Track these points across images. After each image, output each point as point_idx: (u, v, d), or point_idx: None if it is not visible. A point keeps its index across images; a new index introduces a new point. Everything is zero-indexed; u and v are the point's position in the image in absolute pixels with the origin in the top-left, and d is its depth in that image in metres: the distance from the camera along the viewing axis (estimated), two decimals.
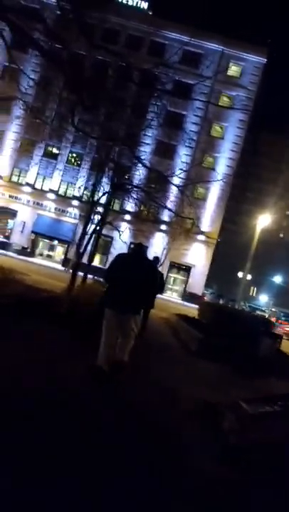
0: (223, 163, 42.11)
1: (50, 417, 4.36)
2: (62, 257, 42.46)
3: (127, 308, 6.24)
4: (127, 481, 3.61)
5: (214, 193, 41.63)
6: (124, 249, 39.77)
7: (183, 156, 40.78)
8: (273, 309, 61.75)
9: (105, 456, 3.89)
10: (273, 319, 37.78)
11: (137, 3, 43.55)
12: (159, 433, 4.93)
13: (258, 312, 46.73)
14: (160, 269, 11.32)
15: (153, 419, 5.30)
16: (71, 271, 17.67)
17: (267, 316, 38.41)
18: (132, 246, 8.22)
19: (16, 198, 42.78)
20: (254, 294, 68.36)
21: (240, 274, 49.17)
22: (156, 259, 9.23)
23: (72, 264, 25.99)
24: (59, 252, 44.08)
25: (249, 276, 41.09)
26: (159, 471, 3.98)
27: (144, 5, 43.70)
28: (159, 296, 9.22)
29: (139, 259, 6.65)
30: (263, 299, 68.06)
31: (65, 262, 39.54)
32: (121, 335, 6.29)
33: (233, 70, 42.71)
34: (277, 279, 66.36)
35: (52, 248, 44.26)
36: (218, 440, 5.01)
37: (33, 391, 5.02)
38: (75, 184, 41.04)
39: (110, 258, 39.83)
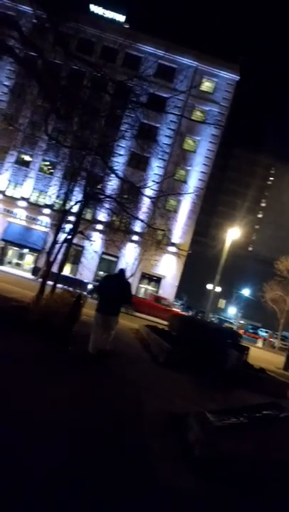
0: (195, 177, 42.67)
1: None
2: (32, 265, 41.90)
3: (111, 312, 9.32)
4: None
5: (186, 205, 42.08)
6: (96, 259, 39.69)
7: (155, 168, 41.15)
8: (241, 321, 62.61)
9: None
10: (241, 331, 38.27)
11: (114, 16, 44.03)
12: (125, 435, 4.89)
13: (227, 324, 47.30)
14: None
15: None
16: (40, 280, 17.46)
17: (235, 328, 38.88)
18: (119, 268, 9.01)
19: None
20: (223, 306, 69.09)
21: (209, 286, 49.76)
22: (123, 271, 10.05)
23: (41, 272, 25.69)
24: (29, 260, 43.50)
25: (218, 289, 41.51)
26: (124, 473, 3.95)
27: (121, 18, 44.20)
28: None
29: (121, 279, 9.64)
30: (232, 311, 68.90)
31: (34, 270, 38.98)
32: (105, 330, 9.17)
33: (207, 85, 43.56)
34: (246, 291, 67.36)
35: (21, 256, 43.66)
36: (184, 452, 5.01)
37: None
38: (47, 192, 40.75)
39: (80, 268, 39.69)
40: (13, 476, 3.49)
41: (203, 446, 4.89)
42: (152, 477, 4.26)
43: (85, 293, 30.39)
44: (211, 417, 5.53)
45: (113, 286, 9.44)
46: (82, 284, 33.89)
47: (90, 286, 34.53)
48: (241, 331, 39.67)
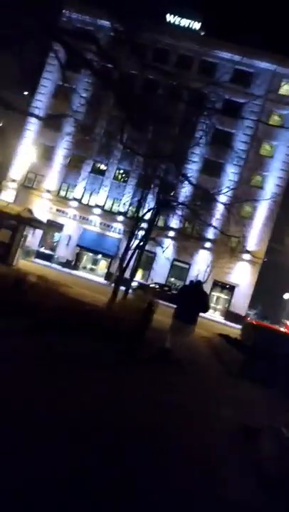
0: (271, 182, 41.43)
1: None
2: (105, 270, 42.84)
3: (188, 320, 9.95)
4: None
5: (262, 212, 40.95)
6: (167, 266, 39.80)
7: (230, 174, 40.49)
8: None
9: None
10: None
11: (190, 23, 44.13)
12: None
13: None
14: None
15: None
16: (113, 284, 17.80)
17: None
18: (192, 281, 9.54)
19: (63, 212, 43.83)
20: None
21: (286, 296, 47.92)
22: (200, 282, 10.97)
23: (114, 278, 26.16)
24: (102, 266, 44.62)
25: None
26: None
27: (197, 25, 44.20)
28: (201, 314, 10.94)
29: (199, 290, 10.31)
30: None
31: (107, 275, 39.80)
32: (181, 337, 9.84)
33: (285, 88, 42.18)
34: None
35: (95, 262, 44.89)
36: (256, 467, 4.82)
37: None
38: (120, 200, 41.67)
39: (152, 273, 40.00)
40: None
41: (278, 462, 4.68)
42: (223, 490, 4.14)
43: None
44: (287, 431, 5.28)
45: (191, 296, 10.11)
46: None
47: (134, 284, 34.54)
48: None
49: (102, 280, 38.70)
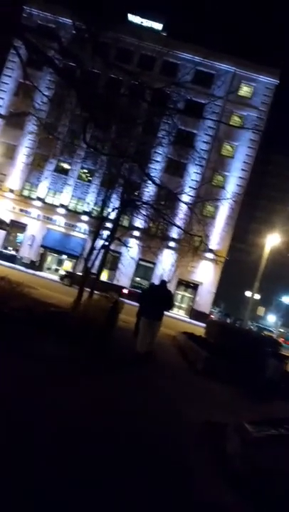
0: (233, 182, 42.19)
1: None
2: (71, 271, 42.34)
3: (156, 317, 10.71)
4: None
5: (223, 211, 41.64)
6: (133, 266, 39.81)
7: (193, 174, 40.98)
8: (281, 330, 61.16)
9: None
10: (281, 340, 37.41)
11: (152, 24, 44.37)
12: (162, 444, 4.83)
13: (266, 332, 46.33)
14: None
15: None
16: (67, 285, 17.67)
17: (274, 337, 38.04)
18: (157, 281, 11.42)
19: (27, 212, 43.08)
20: (262, 314, 67.76)
21: (248, 294, 48.96)
22: (164, 282, 11.79)
23: (68, 279, 25.90)
24: (67, 266, 44.16)
25: (257, 296, 40.78)
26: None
27: (159, 26, 44.49)
28: (166, 313, 11.84)
29: (164, 289, 11.15)
30: (271, 319, 67.44)
31: (63, 276, 38.22)
32: (150, 333, 10.53)
33: (245, 90, 43.10)
34: (286, 299, 65.80)
35: (60, 262, 44.35)
36: (222, 463, 4.90)
37: None
38: (85, 199, 41.40)
39: (118, 273, 39.95)
40: None
41: (242, 458, 4.77)
42: (188, 489, 4.19)
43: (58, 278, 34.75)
44: (250, 427, 5.38)
45: (157, 295, 11.03)
46: (118, 290, 34.21)
47: (62, 273, 36.62)
48: (281, 340, 38.72)
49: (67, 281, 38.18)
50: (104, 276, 36.40)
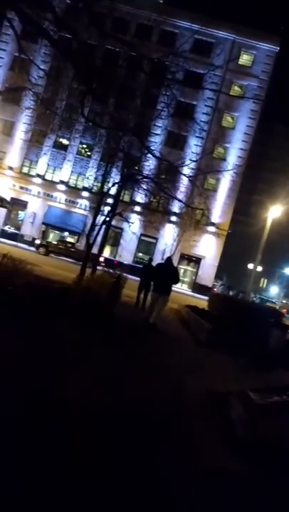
0: (234, 154, 41.70)
1: None
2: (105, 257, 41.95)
3: (164, 291, 11.69)
4: None
5: (225, 184, 41.30)
6: (134, 241, 39.82)
7: (193, 146, 40.48)
8: (284, 301, 61.50)
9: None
10: (284, 311, 37.66)
11: None
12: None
13: (269, 304, 46.59)
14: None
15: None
16: (43, 254, 17.74)
17: (277, 308, 38.31)
18: (164, 258, 14.06)
19: (27, 189, 42.85)
20: (264, 286, 68.06)
21: (250, 266, 49.01)
22: (170, 259, 12.73)
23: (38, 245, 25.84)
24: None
25: (260, 268, 40.82)
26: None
27: None
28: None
29: (170, 266, 12.17)
30: (274, 290, 67.75)
31: (33, 243, 38.12)
32: (157, 305, 11.50)
33: (245, 58, 42.13)
34: None
35: (62, 239, 44.37)
36: (225, 431, 5.02)
37: None
38: (85, 175, 41.05)
39: (120, 249, 40.01)
40: None
41: (246, 425, 4.88)
42: (191, 454, 4.30)
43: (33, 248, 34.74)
44: (254, 395, 5.48)
45: (164, 272, 11.92)
46: (122, 266, 34.26)
47: (37, 242, 36.62)
48: (284, 311, 38.98)
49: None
50: (106, 252, 36.50)
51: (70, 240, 39.95)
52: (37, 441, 3.63)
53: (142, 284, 15.43)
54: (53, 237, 43.68)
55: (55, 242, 36.37)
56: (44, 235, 42.75)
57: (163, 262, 12.80)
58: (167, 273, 11.89)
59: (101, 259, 36.01)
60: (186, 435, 4.77)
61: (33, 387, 4.79)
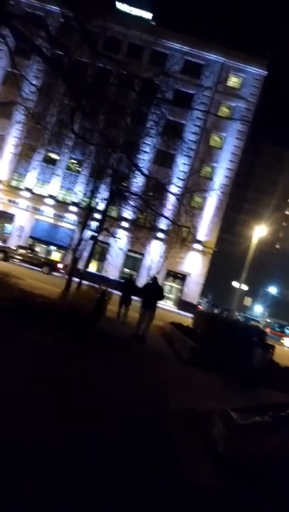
0: (221, 173, 42.26)
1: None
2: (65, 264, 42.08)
3: (150, 308, 12.94)
4: None
5: (211, 202, 41.73)
6: (121, 257, 39.84)
7: (181, 165, 40.93)
8: (268, 320, 61.82)
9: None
10: (268, 330, 37.84)
11: (140, 13, 43.92)
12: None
13: (253, 322, 46.78)
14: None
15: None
16: (66, 276, 17.68)
17: (261, 327, 38.48)
18: (150, 276, 17.45)
19: (15, 202, 42.71)
20: (249, 305, 68.38)
21: (235, 284, 49.31)
22: (156, 278, 14.31)
23: (68, 269, 26.50)
24: (56, 257, 43.99)
25: (245, 287, 41.12)
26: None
27: (148, 15, 44.05)
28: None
29: (155, 284, 13.63)
30: (258, 309, 68.09)
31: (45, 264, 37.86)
32: (145, 320, 12.70)
33: (233, 81, 43.01)
34: (273, 289, 66.45)
35: (49, 253, 44.12)
36: (207, 449, 5.01)
37: None
38: (73, 190, 41.12)
39: (106, 264, 39.92)
40: None
41: (226, 444, 4.88)
42: (174, 472, 4.29)
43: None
44: (235, 415, 5.50)
45: (151, 290, 13.28)
46: (107, 281, 34.20)
47: None
48: (268, 330, 39.18)
49: (55, 272, 38.10)
50: (92, 267, 36.36)
51: (31, 247, 39.33)
52: None
53: (123, 298, 16.11)
54: (39, 251, 43.44)
55: (14, 248, 35.93)
56: (31, 248, 42.46)
57: (150, 282, 14.08)
58: (153, 291, 13.22)
59: (59, 265, 35.79)
60: (167, 451, 4.75)
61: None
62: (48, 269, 33.32)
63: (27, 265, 32.77)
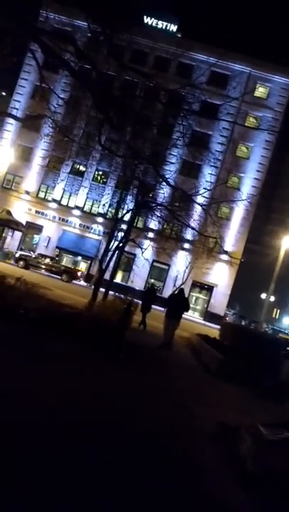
0: (248, 183, 41.93)
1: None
2: (85, 272, 42.68)
3: (175, 317, 13.54)
4: None
5: (238, 212, 41.37)
6: (147, 267, 39.81)
7: (207, 175, 40.81)
8: None
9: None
10: None
11: (166, 25, 44.37)
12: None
13: (281, 335, 45.91)
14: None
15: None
16: (93, 286, 17.79)
17: None
18: (176, 288, 18.08)
19: (42, 213, 43.46)
20: (277, 316, 67.15)
21: (263, 296, 48.60)
22: (182, 290, 15.09)
23: (94, 280, 26.88)
24: (82, 267, 44.39)
25: (272, 298, 40.47)
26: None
27: (174, 28, 44.47)
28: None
29: (182, 295, 14.39)
30: (287, 321, 66.79)
31: (87, 277, 39.68)
32: (171, 329, 13.34)
33: (260, 91, 42.81)
34: None
35: (75, 264, 44.58)
36: (235, 464, 4.90)
37: None
38: (100, 201, 41.49)
39: (132, 275, 39.99)
40: None
41: (255, 460, 4.75)
42: (200, 488, 4.19)
43: (13, 262, 34.82)
44: (264, 430, 5.36)
45: (176, 300, 14.02)
46: (133, 292, 34.35)
47: (17, 255, 36.37)
48: None
49: (82, 282, 38.47)
50: (118, 277, 36.49)
51: (52, 255, 39.83)
52: None
53: (143, 306, 16.85)
54: (66, 261, 43.92)
55: (34, 256, 36.39)
56: (58, 258, 43.01)
57: (176, 293, 14.89)
58: (178, 302, 13.83)
59: (79, 273, 36.09)
60: (195, 468, 4.66)
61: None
62: (67, 277, 33.81)
63: (47, 273, 33.23)
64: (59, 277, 33.24)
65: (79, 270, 38.61)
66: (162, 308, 17.02)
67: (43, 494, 3.21)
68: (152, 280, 41.78)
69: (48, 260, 36.00)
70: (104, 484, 3.63)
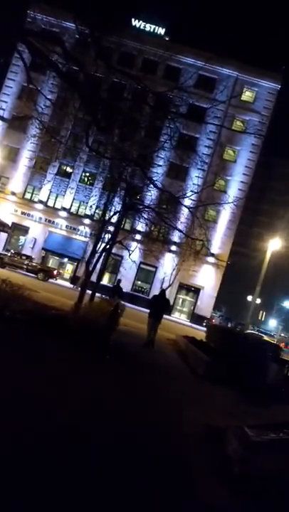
0: (235, 186, 42.21)
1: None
2: (71, 274, 42.56)
3: (157, 317, 14.30)
4: None
5: (225, 215, 41.62)
6: (134, 269, 39.77)
7: (195, 178, 40.95)
8: (282, 334, 61.05)
9: None
10: (282, 345, 37.33)
11: (154, 28, 44.53)
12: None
13: (266, 337, 46.22)
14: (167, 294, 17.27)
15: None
16: (80, 288, 17.73)
17: (275, 342, 37.99)
18: (159, 290, 17.74)
19: (28, 214, 43.19)
20: (263, 318, 67.64)
21: (249, 298, 48.92)
22: (164, 291, 15.79)
23: (80, 281, 26.85)
24: (68, 269, 44.20)
25: (258, 300, 40.74)
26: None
27: (161, 31, 44.64)
28: (166, 317, 14.99)
29: (163, 297, 15.13)
30: (272, 323, 67.32)
31: (73, 279, 39.52)
32: (153, 328, 14.09)
33: (247, 95, 43.18)
34: (287, 303, 65.69)
35: (62, 265, 44.37)
36: (221, 467, 4.91)
37: None
38: (87, 203, 41.38)
39: (119, 277, 39.90)
40: None
41: (242, 462, 4.77)
42: (187, 490, 4.19)
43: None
44: (250, 432, 5.38)
45: (158, 301, 14.71)
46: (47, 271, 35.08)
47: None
48: (282, 345, 38.62)
49: (68, 284, 38.27)
50: (105, 279, 36.39)
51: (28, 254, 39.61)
52: None
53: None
54: (52, 262, 43.69)
55: (10, 255, 36.15)
56: (44, 260, 42.78)
57: (158, 294, 15.31)
58: (160, 303, 14.63)
59: (55, 272, 36.05)
60: (182, 470, 4.66)
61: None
62: (43, 276, 33.68)
63: (23, 272, 33.03)
64: (35, 276, 33.08)
65: (54, 269, 38.51)
66: (146, 310, 17.20)
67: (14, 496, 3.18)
68: (140, 282, 41.83)
69: (23, 259, 35.78)
70: (92, 483, 3.61)
